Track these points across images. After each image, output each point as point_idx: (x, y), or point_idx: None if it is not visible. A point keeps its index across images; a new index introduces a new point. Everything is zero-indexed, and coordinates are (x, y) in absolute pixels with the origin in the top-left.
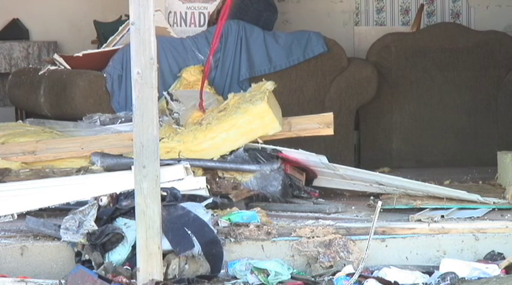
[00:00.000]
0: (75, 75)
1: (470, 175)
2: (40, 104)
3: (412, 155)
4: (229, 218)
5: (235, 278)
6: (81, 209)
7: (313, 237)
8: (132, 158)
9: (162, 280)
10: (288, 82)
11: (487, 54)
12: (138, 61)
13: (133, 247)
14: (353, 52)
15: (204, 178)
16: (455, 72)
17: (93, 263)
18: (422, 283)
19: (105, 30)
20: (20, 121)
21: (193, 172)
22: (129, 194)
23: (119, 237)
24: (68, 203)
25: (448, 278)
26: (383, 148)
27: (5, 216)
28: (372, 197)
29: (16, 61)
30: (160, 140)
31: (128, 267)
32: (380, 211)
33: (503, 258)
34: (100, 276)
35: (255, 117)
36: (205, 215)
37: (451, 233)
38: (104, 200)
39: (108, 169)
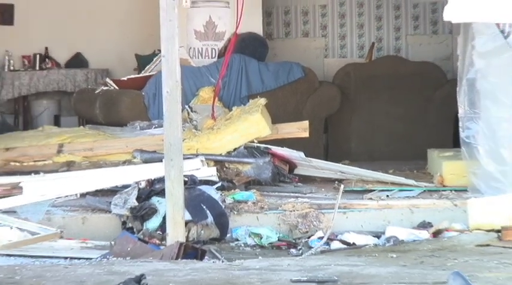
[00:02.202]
0: (122, 94)
1: (407, 166)
2: (96, 114)
3: (365, 152)
4: (233, 197)
5: (238, 240)
6: (126, 190)
7: (294, 210)
8: (163, 154)
9: (184, 241)
10: (276, 98)
11: (420, 78)
12: (167, 83)
13: (164, 218)
14: (323, 77)
15: (214, 168)
16: (397, 92)
17: (134, 229)
18: (373, 244)
19: (143, 60)
20: (82, 126)
21: (207, 163)
22: (161, 180)
23: (153, 211)
24: (116, 186)
25: (392, 240)
26: (344, 146)
27: (71, 195)
28: (336, 182)
29: (79, 83)
30: (183, 140)
31: (160, 233)
32: (342, 192)
33: (431, 226)
34: (140, 239)
35: (252, 124)
36: (216, 195)
37: (394, 208)
38: (143, 184)
39: (145, 161)
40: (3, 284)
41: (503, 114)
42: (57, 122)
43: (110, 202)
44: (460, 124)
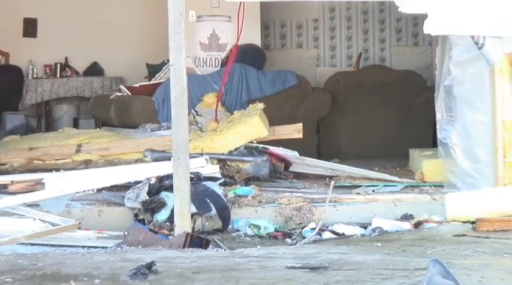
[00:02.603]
0: (134, 99)
1: (391, 164)
2: (111, 117)
3: (353, 151)
4: (234, 192)
5: (238, 230)
6: (137, 185)
7: (289, 204)
8: (171, 153)
9: (190, 232)
10: (273, 103)
11: (403, 85)
12: (175, 89)
13: (172, 211)
14: (315, 84)
15: (217, 166)
16: (382, 97)
17: (145, 221)
18: (360, 234)
19: (153, 69)
20: (98, 128)
21: (211, 162)
22: (169, 176)
23: (163, 204)
24: (129, 182)
25: (377, 231)
26: (334, 146)
27: (88, 190)
28: (327, 178)
29: (95, 89)
30: (189, 141)
31: (168, 224)
32: (332, 187)
33: (413, 218)
34: (150, 230)
35: (251, 126)
36: (219, 190)
37: (379, 202)
38: (153, 180)
39: (155, 160)
40: (27, 269)
41: (478, 117)
42: (75, 124)
43: (124, 196)
44: (438, 126)
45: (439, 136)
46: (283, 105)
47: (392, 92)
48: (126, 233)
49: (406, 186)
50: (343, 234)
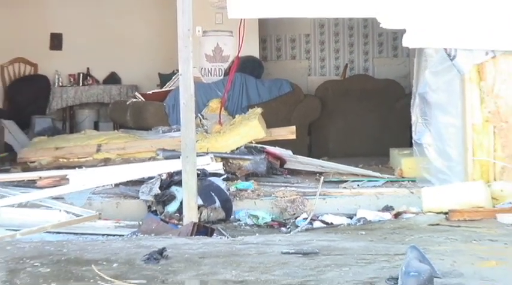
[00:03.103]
0: (147, 104)
1: (374, 161)
2: (127, 121)
3: (340, 150)
4: (236, 186)
5: (239, 220)
6: (150, 181)
7: (284, 197)
8: (180, 152)
9: (197, 222)
10: (269, 108)
11: (384, 92)
12: (184, 96)
13: (181, 203)
14: (307, 91)
15: (221, 163)
16: (366, 103)
17: (157, 212)
18: (347, 223)
19: (164, 78)
20: (116, 130)
21: (215, 160)
22: (178, 172)
23: (173, 197)
24: (143, 178)
25: (361, 221)
26: (324, 146)
27: (107, 185)
28: (317, 174)
29: (113, 96)
30: (196, 141)
31: (178, 215)
32: (322, 182)
33: (393, 209)
34: (162, 220)
35: (250, 129)
36: (222, 184)
37: (363, 195)
38: (164, 176)
39: (167, 158)
40: (53, 255)
41: (449, 121)
42: (96, 127)
43: (138, 190)
44: (413, 128)
45: (415, 137)
46: (278, 109)
47: (375, 98)
48: (140, 222)
49: (387, 181)
50: (331, 223)
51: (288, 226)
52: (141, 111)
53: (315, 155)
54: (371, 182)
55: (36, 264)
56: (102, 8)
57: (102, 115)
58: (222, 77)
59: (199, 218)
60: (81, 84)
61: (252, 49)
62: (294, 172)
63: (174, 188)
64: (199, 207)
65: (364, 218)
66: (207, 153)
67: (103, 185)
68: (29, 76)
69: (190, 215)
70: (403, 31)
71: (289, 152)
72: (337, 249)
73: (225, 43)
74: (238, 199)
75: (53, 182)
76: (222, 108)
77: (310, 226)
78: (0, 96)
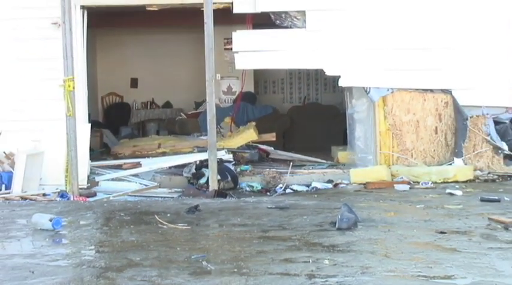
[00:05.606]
0: (188, 120)
1: (322, 153)
2: (176, 129)
3: (303, 147)
4: (240, 168)
5: (242, 188)
6: (189, 164)
7: (268, 174)
8: (207, 148)
9: (217, 189)
10: (260, 122)
11: (328, 112)
12: (209, 115)
13: (207, 178)
14: (282, 112)
15: (231, 155)
16: (318, 119)
17: (194, 183)
18: (305, 190)
19: (197, 104)
20: (169, 135)
21: (228, 153)
22: (206, 160)
23: (203, 174)
24: (185, 163)
25: (314, 189)
26: (292, 145)
27: (164, 167)
28: (288, 161)
29: (168, 115)
30: (216, 142)
31: (206, 185)
32: (291, 166)
33: (333, 182)
34: (196, 188)
35: (248, 134)
36: (232, 167)
37: (315, 173)
38: (198, 162)
39: (199, 152)
40: (132, 209)
41: (367, 129)
42: (157, 133)
43: (182, 170)
44: (348, 132)
45: (348, 138)
46: (265, 123)
47: (323, 116)
48: (183, 190)
49: (330, 165)
50: (296, 190)
51: (270, 192)
52: (184, 124)
53: (287, 150)
54: (320, 165)
55: (122, 214)
56: (162, 59)
57: (161, 127)
58: (231, 104)
59: (219, 187)
60: (149, 108)
61: (249, 87)
62: (275, 160)
63: (203, 169)
64: (218, 181)
65: (316, 187)
66: (223, 149)
67: (162, 168)
68: (118, 103)
69: (213, 185)
70: (339, 76)
71: (272, 148)
72: (300, 205)
73: (233, 84)
74: (241, 175)
75: (132, 166)
76: (232, 122)
77: (284, 192)
78: (101, 115)
